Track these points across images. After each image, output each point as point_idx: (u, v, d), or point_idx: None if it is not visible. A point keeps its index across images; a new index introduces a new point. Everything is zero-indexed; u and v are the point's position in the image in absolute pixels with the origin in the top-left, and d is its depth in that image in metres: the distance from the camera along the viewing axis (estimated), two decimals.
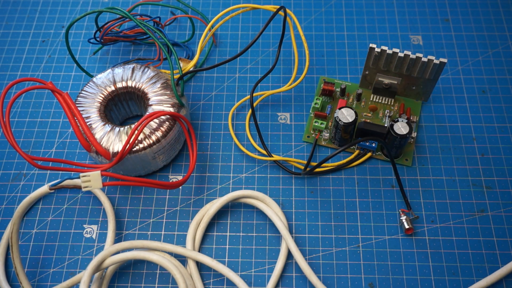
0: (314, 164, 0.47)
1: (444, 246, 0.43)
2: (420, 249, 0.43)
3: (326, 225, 0.44)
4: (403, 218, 0.43)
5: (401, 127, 0.44)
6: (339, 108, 0.45)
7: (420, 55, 0.44)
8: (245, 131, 0.49)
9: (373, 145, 0.46)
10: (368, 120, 0.48)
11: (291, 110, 0.50)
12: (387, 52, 0.44)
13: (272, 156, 0.47)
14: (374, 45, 0.44)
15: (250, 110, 0.50)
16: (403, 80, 0.47)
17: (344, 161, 0.47)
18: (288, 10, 0.48)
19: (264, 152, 0.47)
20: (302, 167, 0.46)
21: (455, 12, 0.56)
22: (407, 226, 0.43)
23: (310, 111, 0.49)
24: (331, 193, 0.46)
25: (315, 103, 0.49)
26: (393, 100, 0.49)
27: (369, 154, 0.47)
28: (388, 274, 0.42)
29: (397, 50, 0.44)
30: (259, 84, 0.52)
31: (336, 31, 0.56)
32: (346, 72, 0.52)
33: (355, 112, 0.44)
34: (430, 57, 0.44)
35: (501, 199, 0.45)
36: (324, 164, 0.47)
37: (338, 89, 0.50)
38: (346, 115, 0.44)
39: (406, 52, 0.44)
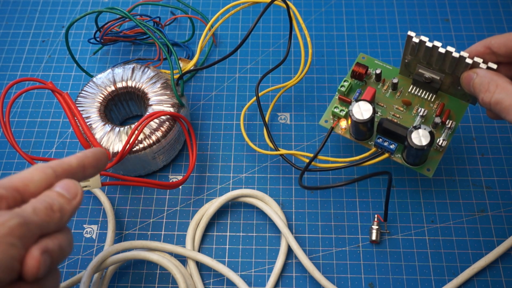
0: (322, 157, 0.45)
1: (444, 246, 0.43)
2: (420, 249, 0.43)
3: (326, 225, 0.44)
4: (375, 227, 0.43)
5: (420, 137, 0.37)
6: (357, 100, 0.39)
7: (466, 54, 0.37)
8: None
9: (392, 146, 0.40)
10: (393, 119, 0.41)
11: (291, 110, 0.50)
12: (427, 45, 0.37)
13: (279, 150, 0.44)
14: (412, 33, 0.37)
15: (255, 100, 0.48)
16: (447, 77, 0.40)
17: (357, 157, 0.41)
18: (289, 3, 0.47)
19: (272, 146, 0.45)
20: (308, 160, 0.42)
21: (455, 12, 0.56)
22: (373, 238, 0.42)
23: (336, 93, 0.43)
24: (331, 193, 0.46)
25: (342, 86, 0.42)
26: (434, 96, 0.42)
27: (386, 155, 0.40)
28: (388, 274, 0.42)
29: (438, 44, 0.37)
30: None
31: (336, 31, 0.55)
32: (346, 72, 0.52)
33: (373, 109, 0.38)
34: (476, 59, 0.36)
35: (501, 199, 0.45)
36: (332, 165, 0.42)
37: (374, 73, 0.43)
38: (362, 110, 0.38)
39: (449, 48, 0.37)
